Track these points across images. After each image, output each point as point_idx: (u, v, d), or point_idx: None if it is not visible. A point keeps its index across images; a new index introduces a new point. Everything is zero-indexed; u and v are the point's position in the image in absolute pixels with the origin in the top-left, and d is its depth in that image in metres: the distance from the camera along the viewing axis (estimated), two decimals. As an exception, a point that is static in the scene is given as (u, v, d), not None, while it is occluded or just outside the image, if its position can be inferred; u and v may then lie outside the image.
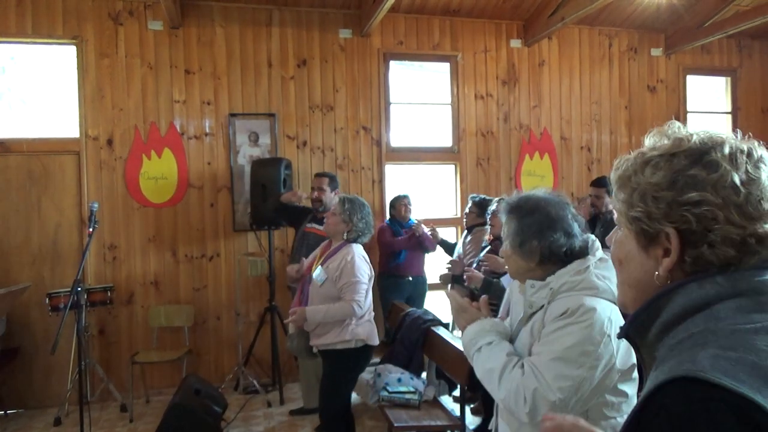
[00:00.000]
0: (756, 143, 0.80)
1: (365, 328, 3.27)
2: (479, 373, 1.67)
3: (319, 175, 4.60)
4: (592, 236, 1.75)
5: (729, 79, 6.76)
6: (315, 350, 3.35)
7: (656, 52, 6.48)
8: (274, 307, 4.90)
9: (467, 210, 4.74)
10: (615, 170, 0.88)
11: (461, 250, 4.63)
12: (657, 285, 0.81)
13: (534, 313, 1.67)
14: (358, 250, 3.29)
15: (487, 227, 4.12)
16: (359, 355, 3.31)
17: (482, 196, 4.85)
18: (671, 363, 0.70)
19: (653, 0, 5.51)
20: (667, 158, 0.80)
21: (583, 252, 1.68)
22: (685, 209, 0.76)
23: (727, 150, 0.78)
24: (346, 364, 3.29)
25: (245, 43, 5.36)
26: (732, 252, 0.76)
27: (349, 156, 5.62)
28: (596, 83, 6.29)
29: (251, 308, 5.30)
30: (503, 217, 1.79)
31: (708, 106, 6.77)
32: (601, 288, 1.60)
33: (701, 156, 0.78)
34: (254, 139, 5.38)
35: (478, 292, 3.56)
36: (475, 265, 4.00)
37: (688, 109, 6.58)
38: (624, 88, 6.38)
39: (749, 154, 0.78)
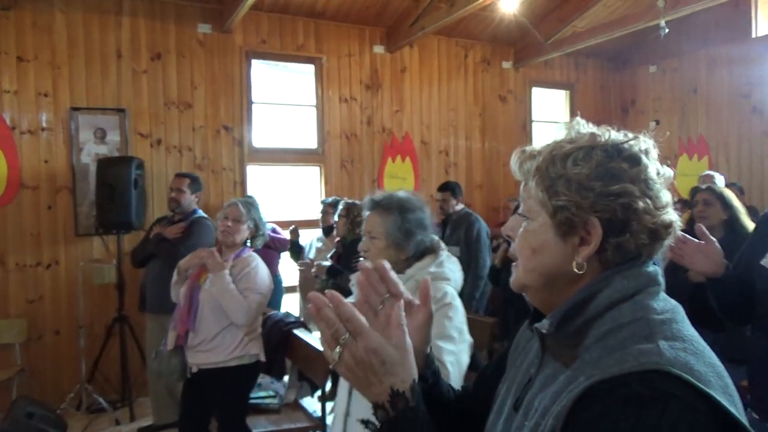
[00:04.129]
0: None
1: (258, 343, 3.07)
2: None
3: (179, 176, 4.31)
4: (436, 237, 1.98)
5: (568, 92, 7.49)
6: (195, 369, 2.94)
7: (506, 64, 6.99)
8: (123, 317, 4.54)
9: (321, 213, 4.79)
10: (529, 159, 0.88)
11: (314, 254, 4.67)
12: (573, 272, 0.83)
13: None
14: (262, 262, 3.05)
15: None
16: (253, 372, 3.09)
17: (336, 197, 4.92)
18: (620, 353, 0.72)
19: (503, 17, 5.94)
20: (587, 151, 0.83)
21: (432, 248, 1.91)
22: (610, 199, 0.80)
23: (643, 146, 0.84)
24: (240, 383, 3.02)
25: (90, 32, 4.93)
26: (647, 240, 0.81)
27: (208, 156, 5.38)
28: (453, 91, 6.64)
29: (97, 319, 4.85)
30: (371, 213, 1.90)
31: (550, 116, 7.43)
32: (452, 278, 1.87)
33: (619, 151, 0.83)
34: (101, 135, 4.96)
35: (326, 278, 3.90)
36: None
37: (534, 118, 7.18)
38: (478, 96, 6.79)
39: (651, 150, 0.86)
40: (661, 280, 0.84)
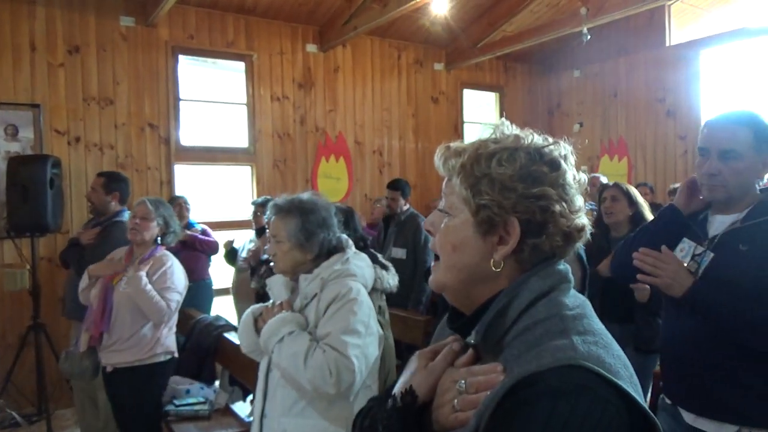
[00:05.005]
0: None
1: (172, 340, 3.07)
2: (283, 361, 1.77)
3: (98, 175, 4.11)
4: (344, 235, 2.04)
5: (498, 94, 7.70)
6: (109, 369, 2.92)
7: (438, 66, 7.10)
8: (39, 326, 4.26)
9: (253, 214, 4.70)
10: (454, 156, 0.88)
11: (246, 255, 4.58)
12: (490, 270, 0.85)
13: (308, 304, 1.87)
14: (176, 260, 3.05)
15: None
16: (167, 369, 3.09)
17: (266, 196, 4.83)
18: (538, 350, 0.75)
19: (435, 19, 6.02)
20: (511, 152, 0.84)
21: (340, 247, 1.97)
22: (531, 201, 0.82)
23: (563, 151, 0.87)
24: (156, 380, 3.02)
25: (0, 22, 4.60)
26: (561, 242, 0.85)
27: (132, 154, 5.15)
28: (387, 91, 6.67)
29: (9, 328, 4.53)
30: (274, 218, 1.93)
31: (481, 118, 7.61)
32: (358, 274, 1.92)
33: (540, 154, 0.85)
34: (12, 132, 4.64)
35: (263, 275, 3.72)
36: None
37: (465, 119, 7.33)
38: (411, 97, 6.86)
39: (569, 155, 0.88)
40: (571, 277, 0.87)
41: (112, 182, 3.96)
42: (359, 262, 1.96)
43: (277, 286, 2.01)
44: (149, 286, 2.83)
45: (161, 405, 3.17)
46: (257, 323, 1.92)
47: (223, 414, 3.53)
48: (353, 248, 2.01)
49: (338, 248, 1.96)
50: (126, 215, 3.97)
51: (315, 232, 1.89)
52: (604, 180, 5.23)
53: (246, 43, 5.77)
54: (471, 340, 0.86)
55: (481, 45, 6.83)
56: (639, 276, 1.72)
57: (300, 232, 1.87)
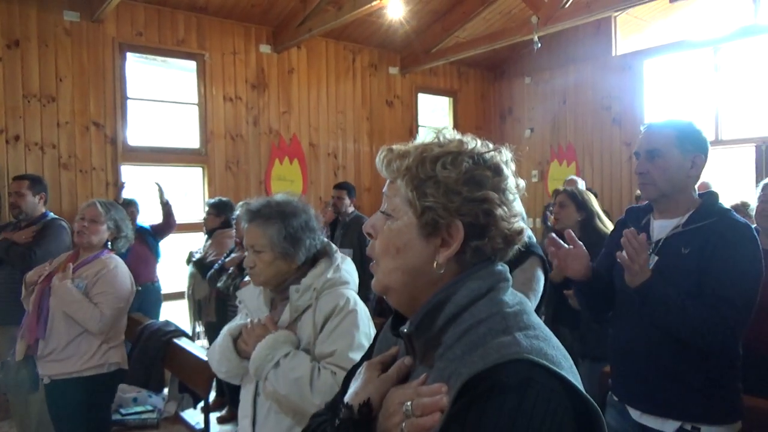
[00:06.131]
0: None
1: (120, 351, 2.83)
2: (283, 387, 1.56)
3: (16, 179, 3.88)
4: (324, 237, 1.85)
5: (451, 99, 7.80)
6: (47, 381, 2.70)
7: (393, 70, 7.13)
8: (-27, 334, 4.03)
9: (205, 215, 4.60)
10: (398, 159, 0.88)
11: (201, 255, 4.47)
12: (433, 272, 0.85)
13: (298, 318, 1.69)
14: (122, 264, 2.84)
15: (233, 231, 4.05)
16: (113, 381, 2.86)
17: (220, 197, 4.75)
18: (483, 349, 0.76)
19: (391, 24, 6.05)
20: (455, 156, 0.85)
21: (324, 251, 1.79)
22: (475, 204, 0.83)
23: (504, 157, 0.89)
24: (100, 393, 2.77)
25: (-69, 12, 4.36)
26: (502, 245, 0.87)
27: (76, 155, 4.95)
28: (341, 94, 6.65)
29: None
30: (250, 225, 1.72)
31: (435, 122, 7.69)
32: (350, 281, 1.77)
33: (484, 159, 0.87)
34: (-56, 129, 4.39)
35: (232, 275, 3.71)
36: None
37: (419, 123, 7.39)
38: (366, 100, 6.87)
39: (510, 162, 0.90)
40: (509, 276, 0.90)
41: (37, 184, 3.82)
42: (348, 268, 1.79)
43: (251, 299, 1.82)
44: (76, 294, 2.61)
45: (109, 420, 2.97)
46: (236, 344, 1.70)
47: (173, 422, 3.46)
48: (338, 253, 1.82)
49: (322, 253, 1.78)
50: (53, 214, 3.87)
51: (300, 238, 1.70)
52: (581, 184, 4.98)
53: (197, 42, 5.65)
54: (404, 329, 0.87)
55: (435, 50, 6.91)
56: (618, 254, 1.75)
57: (284, 240, 1.67)
